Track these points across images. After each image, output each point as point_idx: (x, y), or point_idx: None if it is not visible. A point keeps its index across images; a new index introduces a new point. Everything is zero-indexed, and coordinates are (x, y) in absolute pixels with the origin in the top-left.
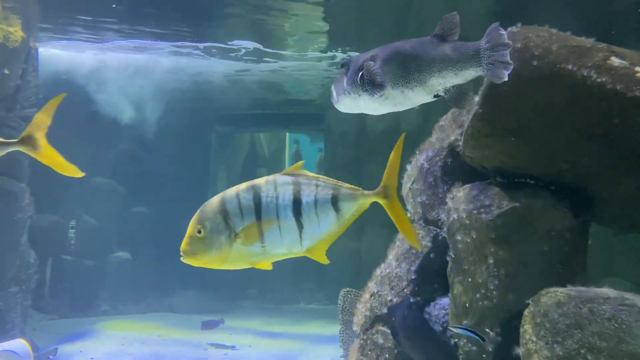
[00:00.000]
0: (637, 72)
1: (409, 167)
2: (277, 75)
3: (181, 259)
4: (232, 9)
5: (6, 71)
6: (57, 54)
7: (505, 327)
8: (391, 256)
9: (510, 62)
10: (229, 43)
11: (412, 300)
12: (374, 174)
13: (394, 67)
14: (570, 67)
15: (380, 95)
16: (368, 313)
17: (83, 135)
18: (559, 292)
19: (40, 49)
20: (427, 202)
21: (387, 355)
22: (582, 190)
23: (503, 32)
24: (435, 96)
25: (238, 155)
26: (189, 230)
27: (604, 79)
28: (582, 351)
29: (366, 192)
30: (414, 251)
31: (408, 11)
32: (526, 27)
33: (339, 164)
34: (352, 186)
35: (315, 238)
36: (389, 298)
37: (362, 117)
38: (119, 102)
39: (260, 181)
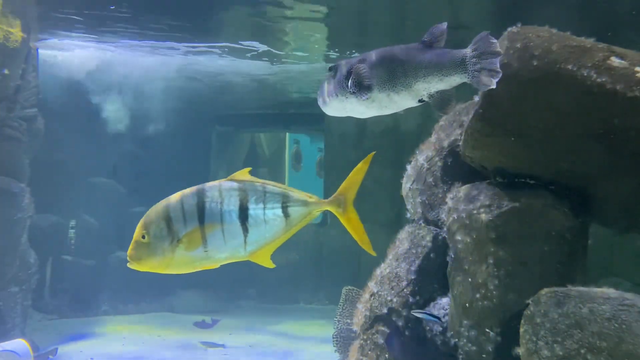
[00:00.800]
0: (637, 72)
1: (408, 167)
2: (277, 75)
3: (127, 264)
4: (232, 9)
5: (6, 71)
6: (57, 54)
7: (505, 327)
8: (391, 256)
9: (500, 70)
10: (229, 43)
11: (411, 300)
12: (374, 174)
13: (381, 71)
14: (570, 67)
15: (367, 98)
16: (368, 313)
17: (83, 135)
18: (559, 292)
19: (41, 50)
20: (427, 202)
21: (387, 355)
22: (582, 190)
23: (494, 40)
24: (419, 101)
25: (238, 155)
26: (134, 235)
27: (604, 79)
28: (582, 351)
29: (319, 200)
30: (414, 251)
31: (408, 13)
32: (526, 27)
33: (339, 164)
34: (304, 193)
35: (261, 243)
36: (389, 298)
37: (362, 118)
38: (119, 102)
39: (205, 186)
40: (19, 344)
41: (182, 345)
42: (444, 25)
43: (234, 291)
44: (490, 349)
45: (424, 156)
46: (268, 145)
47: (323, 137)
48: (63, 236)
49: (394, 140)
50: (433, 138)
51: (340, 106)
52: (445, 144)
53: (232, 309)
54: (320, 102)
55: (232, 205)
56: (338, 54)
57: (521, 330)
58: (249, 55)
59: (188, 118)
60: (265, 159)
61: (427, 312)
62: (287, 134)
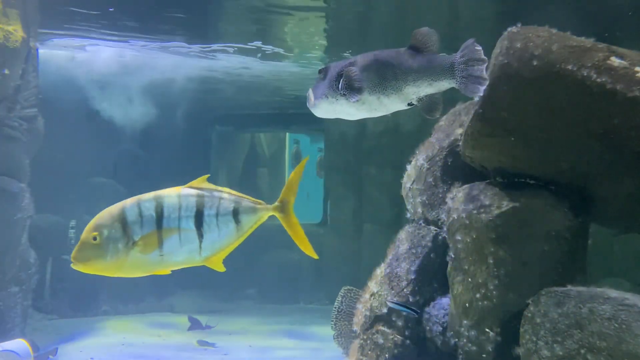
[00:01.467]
0: (637, 72)
1: (409, 167)
2: (278, 75)
3: (72, 265)
4: (232, 9)
5: (6, 71)
6: (57, 54)
7: (505, 327)
8: (391, 256)
9: (486, 77)
10: (229, 43)
11: (411, 299)
12: (374, 174)
13: (372, 74)
14: (570, 67)
15: (357, 100)
16: (368, 313)
17: (83, 135)
18: (559, 292)
19: (41, 50)
20: (427, 202)
21: (387, 355)
22: (582, 190)
23: (479, 47)
24: (408, 104)
25: (238, 155)
26: (82, 236)
27: (604, 79)
28: (582, 351)
29: (266, 206)
30: (414, 251)
31: (408, 15)
32: (526, 27)
33: (339, 164)
34: (254, 199)
35: (215, 248)
36: (389, 298)
37: (362, 118)
38: (119, 102)
39: (163, 192)
40: (19, 344)
41: (182, 346)
42: (430, 31)
43: (234, 291)
44: (490, 349)
45: (424, 156)
46: (268, 145)
47: (323, 137)
48: (63, 236)
49: (394, 140)
50: (433, 138)
51: (330, 108)
52: (445, 144)
53: (232, 309)
54: (309, 104)
55: (189, 211)
56: (338, 54)
57: (521, 330)
58: (250, 55)
59: (188, 118)
60: (265, 159)
61: (403, 304)
62: (287, 134)
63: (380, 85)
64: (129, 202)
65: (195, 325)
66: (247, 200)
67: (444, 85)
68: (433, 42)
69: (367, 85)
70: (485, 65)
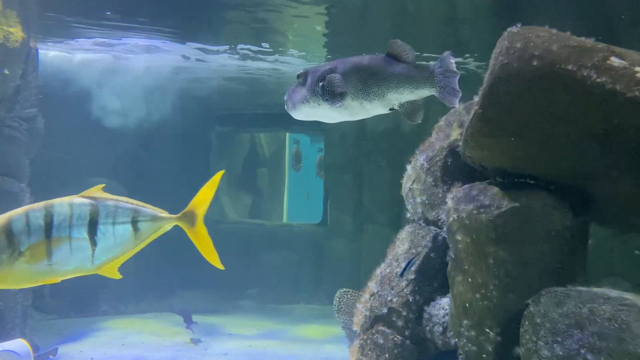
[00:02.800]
0: (637, 72)
1: (409, 167)
2: (278, 75)
3: None
4: (232, 9)
5: (6, 71)
6: (57, 54)
7: (505, 327)
8: (391, 256)
9: (459, 90)
10: (229, 44)
11: (411, 299)
12: (374, 174)
13: (354, 80)
14: (570, 67)
15: (340, 105)
16: (368, 313)
17: (84, 135)
18: (559, 292)
19: (41, 50)
20: (427, 202)
21: (387, 355)
22: (582, 190)
23: (452, 60)
24: (390, 109)
25: (238, 155)
26: None
27: (603, 79)
28: (582, 351)
29: (169, 215)
30: (414, 251)
31: (408, 16)
32: (526, 27)
33: (339, 164)
34: (155, 208)
35: (108, 256)
36: (389, 298)
37: (362, 119)
38: (119, 102)
39: (54, 201)
40: (19, 344)
41: (182, 346)
42: (402, 43)
43: (234, 291)
44: (490, 349)
45: (424, 156)
46: (268, 145)
47: (323, 137)
48: None
49: (394, 140)
50: (433, 138)
51: (311, 112)
52: (445, 144)
53: (232, 309)
54: (288, 106)
55: (81, 219)
56: (338, 54)
57: (521, 330)
58: (250, 54)
59: (188, 118)
60: (265, 159)
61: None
62: (287, 134)
63: (363, 91)
64: (18, 211)
65: (187, 318)
66: (147, 209)
67: (424, 92)
68: (409, 52)
69: (350, 91)
70: (458, 77)
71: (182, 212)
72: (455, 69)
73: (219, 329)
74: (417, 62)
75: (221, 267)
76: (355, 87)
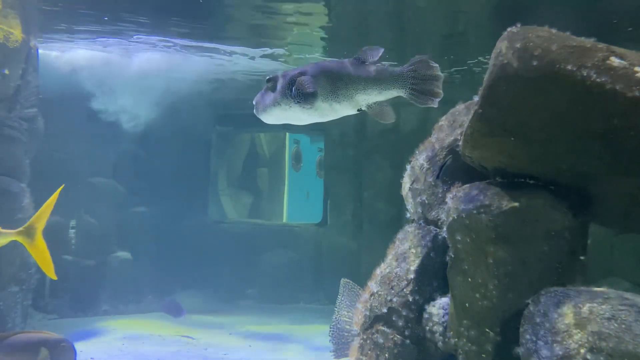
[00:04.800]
0: (637, 72)
1: (408, 167)
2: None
3: None
4: (232, 9)
5: (6, 71)
6: (57, 54)
7: (505, 327)
8: (391, 256)
9: (441, 92)
10: (228, 44)
11: (411, 299)
12: (374, 174)
13: (323, 82)
14: (570, 67)
15: (310, 107)
16: (368, 313)
17: (83, 135)
18: (559, 292)
19: (41, 50)
20: (427, 202)
21: (387, 355)
22: (582, 190)
23: (435, 64)
24: (358, 110)
25: (238, 155)
26: None
27: (603, 79)
28: (582, 351)
29: (6, 231)
30: (414, 251)
31: (407, 16)
32: (526, 27)
33: (339, 164)
34: None
35: None
36: (389, 298)
37: (362, 118)
38: (119, 102)
39: None
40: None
41: (182, 345)
42: (367, 46)
43: (234, 291)
44: (490, 349)
45: (423, 156)
46: (268, 145)
47: (323, 137)
48: (63, 236)
49: (394, 140)
50: (433, 138)
51: (281, 114)
52: (445, 144)
53: (232, 309)
54: (258, 110)
55: None
56: (338, 54)
57: (521, 330)
58: (250, 54)
59: (188, 118)
60: (265, 159)
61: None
62: (287, 134)
63: (332, 93)
64: None
65: (176, 311)
66: None
67: (392, 93)
68: (376, 56)
69: (320, 93)
70: (441, 81)
71: (22, 227)
72: (439, 73)
73: (218, 329)
74: (384, 65)
75: (54, 277)
76: (325, 89)
